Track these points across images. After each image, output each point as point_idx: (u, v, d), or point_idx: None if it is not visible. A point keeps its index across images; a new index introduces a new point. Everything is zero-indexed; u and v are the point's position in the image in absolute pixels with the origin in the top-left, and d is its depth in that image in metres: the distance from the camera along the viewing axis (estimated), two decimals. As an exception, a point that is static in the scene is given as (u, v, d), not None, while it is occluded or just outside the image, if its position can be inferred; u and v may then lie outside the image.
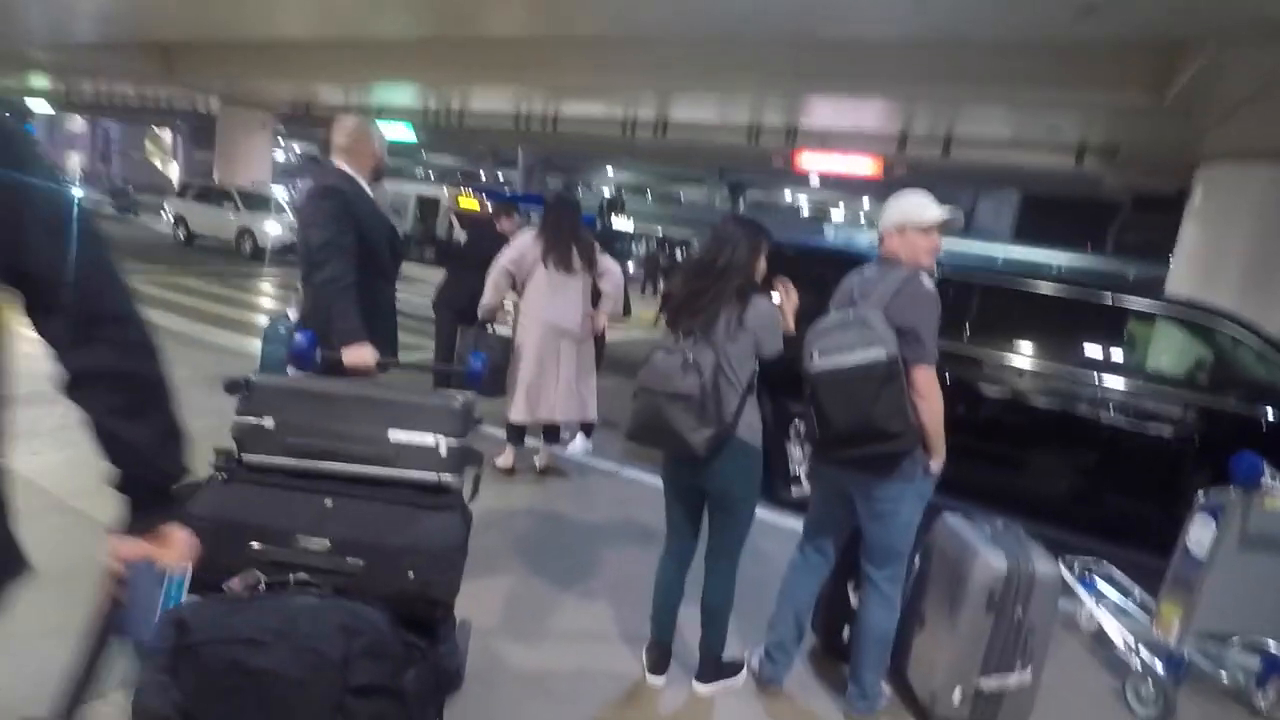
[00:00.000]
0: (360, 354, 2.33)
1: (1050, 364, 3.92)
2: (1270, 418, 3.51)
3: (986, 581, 2.27)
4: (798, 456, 4.32)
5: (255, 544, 1.51)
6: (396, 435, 1.65)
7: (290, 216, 14.90)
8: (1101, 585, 3.30)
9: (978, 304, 4.02)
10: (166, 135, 38.29)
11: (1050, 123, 9.98)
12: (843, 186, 29.08)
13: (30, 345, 1.06)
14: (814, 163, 13.82)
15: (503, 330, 4.28)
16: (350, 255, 2.45)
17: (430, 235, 20.98)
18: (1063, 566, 2.89)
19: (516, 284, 4.11)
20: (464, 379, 2.19)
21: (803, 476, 4.27)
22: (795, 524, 3.08)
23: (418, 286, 11.57)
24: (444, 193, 21.62)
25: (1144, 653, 2.75)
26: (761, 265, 2.35)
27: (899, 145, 12.05)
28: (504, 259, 4.04)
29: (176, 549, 1.15)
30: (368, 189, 2.65)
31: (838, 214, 36.54)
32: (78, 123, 36.79)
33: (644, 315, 6.42)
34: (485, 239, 4.92)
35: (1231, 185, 8.78)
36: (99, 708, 1.12)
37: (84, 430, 1.06)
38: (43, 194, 0.99)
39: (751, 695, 2.50)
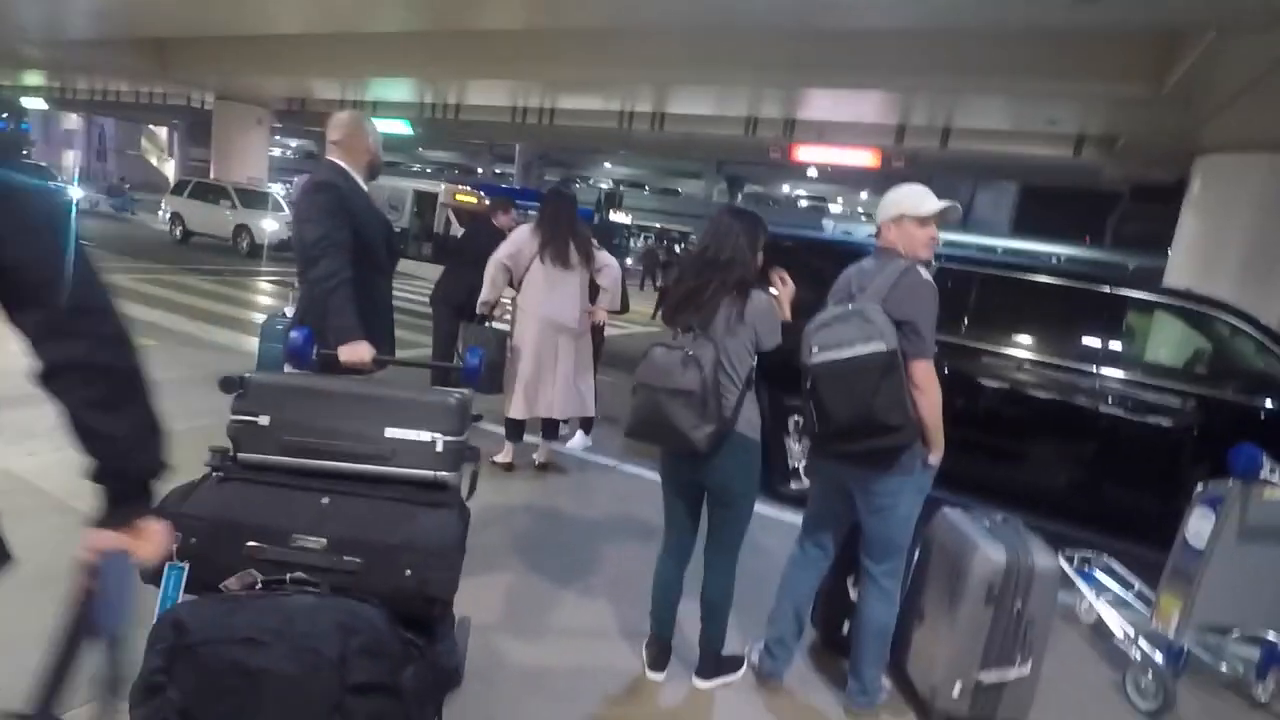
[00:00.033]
0: (357, 351, 2.32)
1: (1048, 356, 3.91)
2: (1269, 408, 3.51)
3: (985, 575, 2.26)
4: (795, 450, 4.31)
5: (252, 543, 1.50)
6: (392, 433, 1.65)
7: (287, 213, 14.86)
8: (1101, 577, 3.31)
9: (976, 295, 4.01)
10: (162, 132, 38.17)
11: (1049, 114, 9.94)
12: (841, 179, 29.07)
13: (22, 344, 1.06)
14: (812, 155, 13.79)
15: (501, 326, 4.28)
16: (346, 251, 2.43)
17: (428, 231, 20.91)
18: (1062, 559, 2.89)
19: (513, 279, 4.10)
20: (461, 376, 2.18)
21: (801, 470, 4.27)
22: (795, 518, 3.08)
23: (416, 283, 11.57)
24: (441, 188, 21.52)
25: (1143, 644, 2.75)
26: (760, 258, 2.34)
27: (897, 137, 12.01)
28: (500, 253, 4.03)
29: (152, 543, 1.15)
30: (363, 184, 2.64)
31: (836, 207, 36.52)
32: (74, 120, 36.65)
33: (642, 310, 6.41)
34: (482, 234, 4.91)
35: (1230, 175, 8.77)
36: (99, 710, 1.12)
37: (62, 423, 1.07)
38: (21, 189, 0.99)
39: (751, 690, 2.50)
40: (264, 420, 1.63)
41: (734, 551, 2.39)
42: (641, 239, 33.24)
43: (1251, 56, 5.81)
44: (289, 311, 3.25)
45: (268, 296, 10.59)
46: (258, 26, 11.76)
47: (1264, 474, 2.56)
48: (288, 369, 2.33)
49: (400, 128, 18.12)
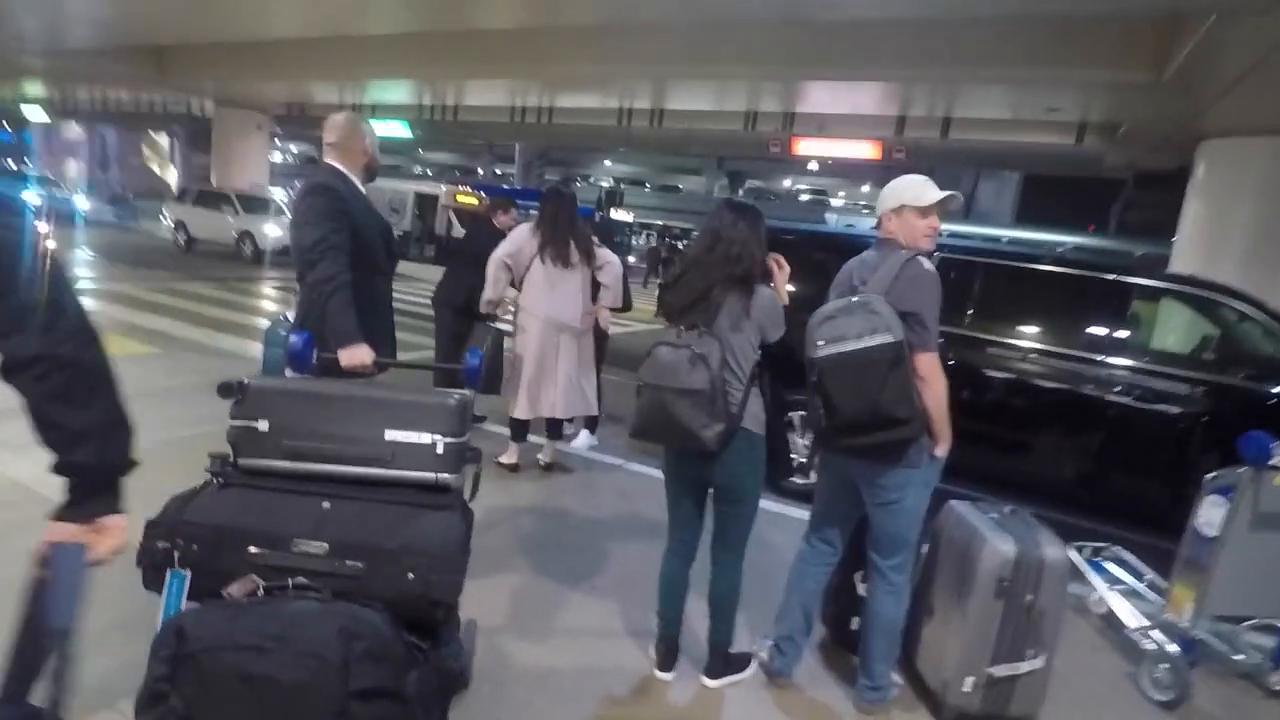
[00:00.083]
0: (357, 354, 2.31)
1: (1053, 345, 3.88)
2: (1279, 394, 3.47)
3: (995, 568, 2.24)
4: (799, 445, 4.30)
5: (253, 549, 1.49)
6: (392, 435, 1.63)
7: (289, 218, 14.85)
8: (1112, 568, 3.28)
9: (980, 285, 3.98)
10: (164, 140, 38.26)
11: (1050, 102, 9.88)
12: (842, 173, 28.99)
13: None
14: (812, 148, 13.72)
15: (502, 326, 4.26)
16: (345, 253, 2.42)
17: (430, 233, 20.92)
18: (1072, 550, 2.87)
19: (514, 279, 4.08)
20: (462, 377, 2.16)
21: (804, 464, 4.26)
22: (802, 514, 3.06)
23: (419, 285, 11.57)
24: (442, 190, 21.54)
25: (1157, 635, 2.73)
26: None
27: (897, 128, 11.94)
28: (500, 252, 4.01)
29: (111, 539, 1.16)
30: (361, 186, 2.62)
31: (837, 201, 36.42)
32: (75, 130, 36.76)
33: (644, 308, 6.39)
34: (482, 235, 4.89)
35: (1234, 160, 8.71)
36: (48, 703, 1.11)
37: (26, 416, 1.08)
38: None
39: (761, 688, 2.48)
40: (263, 425, 1.62)
41: (741, 548, 2.37)
42: (644, 236, 33.24)
43: (1252, 40, 5.76)
44: (291, 316, 3.25)
45: (271, 302, 10.61)
46: (255, 32, 11.77)
47: (1275, 460, 2.53)
48: (289, 373, 2.32)
49: (399, 130, 18.12)
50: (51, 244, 1.11)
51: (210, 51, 13.66)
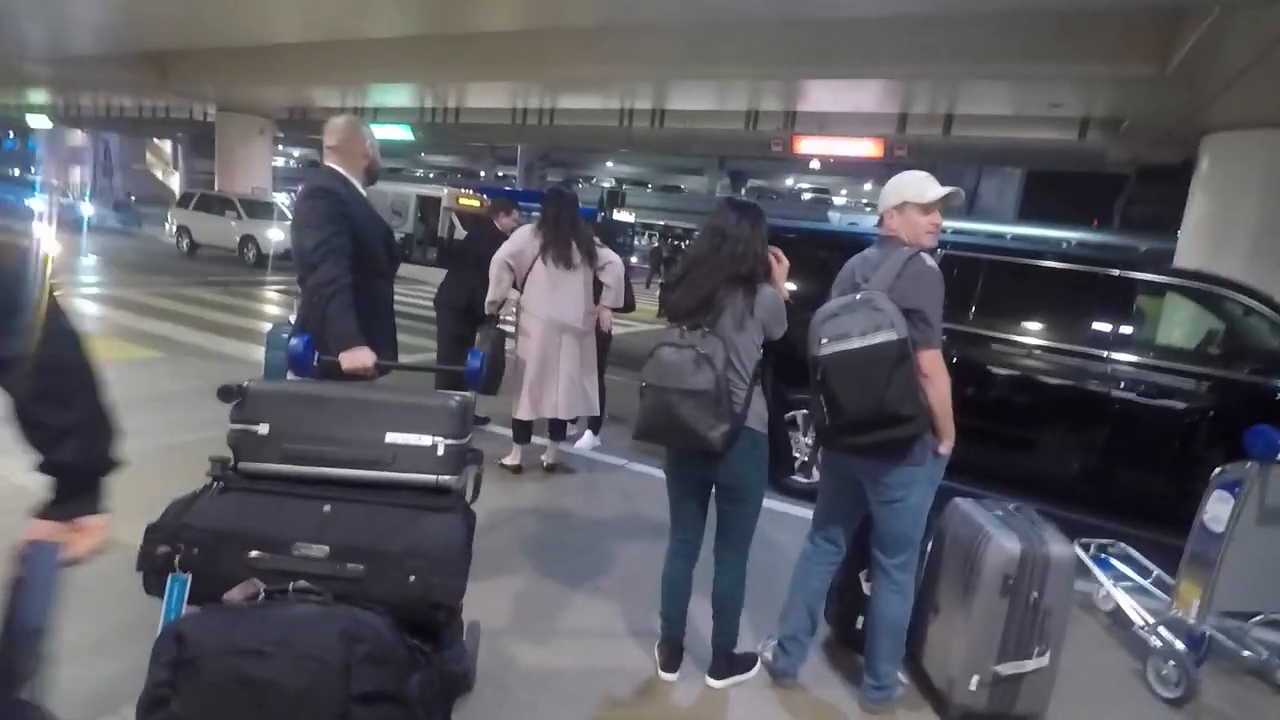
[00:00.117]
0: (358, 358, 2.30)
1: (1058, 341, 3.86)
2: (1285, 388, 3.45)
3: (1000, 565, 2.23)
4: (801, 443, 4.29)
5: (254, 553, 1.49)
6: (393, 437, 1.63)
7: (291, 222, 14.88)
8: (1118, 565, 3.26)
9: (983, 281, 3.96)
10: (167, 146, 38.42)
11: (1052, 98, 9.85)
12: (844, 171, 28.95)
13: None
14: (813, 147, 13.71)
15: (504, 327, 4.26)
16: (346, 256, 2.41)
17: (432, 235, 20.96)
18: (1078, 547, 2.85)
19: (516, 280, 4.08)
20: (463, 378, 2.15)
21: (805, 462, 4.25)
22: (805, 513, 3.05)
23: (422, 288, 11.58)
24: (444, 193, 21.58)
25: (1164, 632, 2.71)
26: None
27: (899, 126, 11.93)
28: (503, 252, 4.01)
29: (89, 539, 1.17)
30: (361, 189, 2.62)
31: (840, 199, 36.37)
32: (79, 138, 36.93)
33: (647, 309, 6.38)
34: (484, 237, 4.89)
35: (1238, 154, 8.67)
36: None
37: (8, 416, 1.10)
38: None
39: (766, 688, 2.47)
40: (263, 428, 1.62)
41: (744, 547, 2.37)
42: (646, 237, 33.24)
43: (1255, 33, 5.73)
44: (294, 319, 3.25)
45: (274, 306, 10.63)
46: (256, 37, 11.81)
47: (1282, 455, 2.51)
48: (290, 376, 2.32)
49: (401, 133, 18.16)
50: (33, 246, 1.11)
51: (212, 57, 13.72)
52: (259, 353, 6.03)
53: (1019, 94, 9.99)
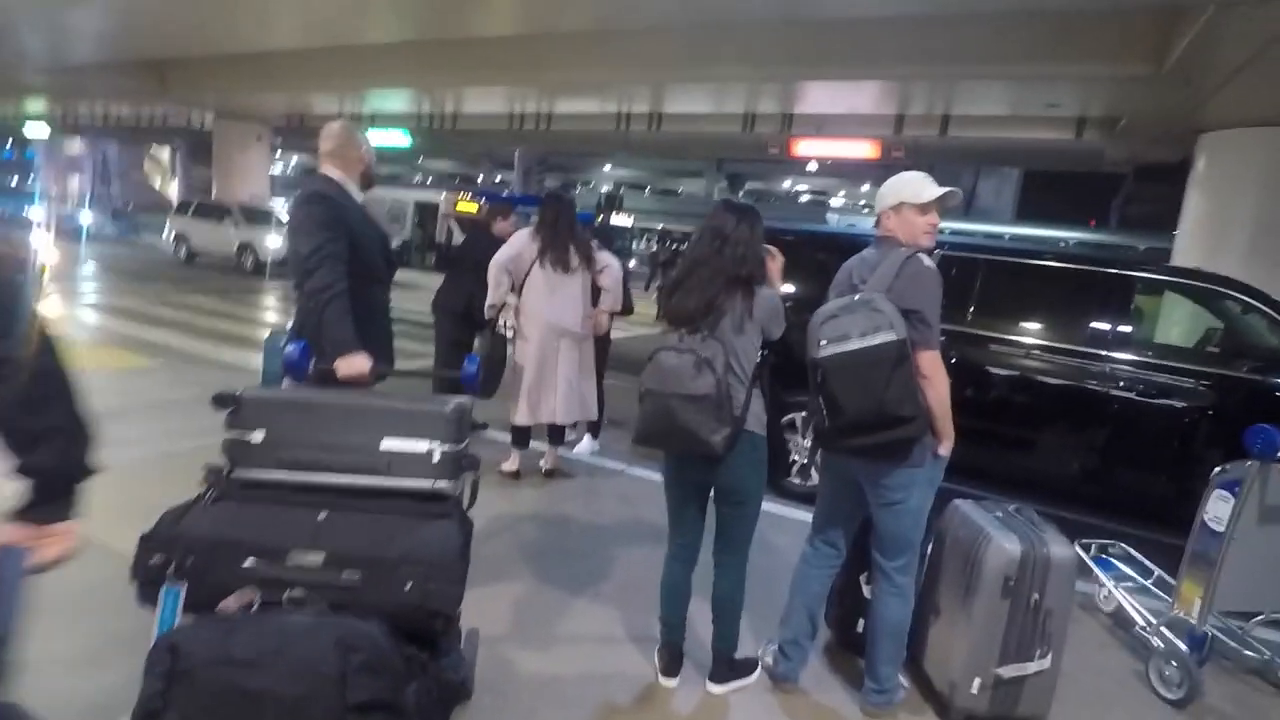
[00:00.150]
0: (354, 364, 2.29)
1: (1057, 341, 3.85)
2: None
3: (1001, 566, 2.22)
4: (799, 444, 4.28)
5: (248, 562, 1.48)
6: (388, 444, 1.63)
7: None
8: (1119, 565, 3.25)
9: (981, 282, 3.96)
10: (165, 154, 38.42)
11: (1049, 97, 9.85)
12: (842, 173, 28.95)
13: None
14: (810, 149, 13.71)
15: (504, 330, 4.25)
16: (342, 262, 2.40)
17: (430, 241, 20.96)
18: (1078, 548, 2.84)
19: (513, 283, 4.07)
20: (460, 383, 2.14)
21: (803, 464, 4.25)
22: (805, 516, 3.04)
23: (419, 293, 11.57)
24: (442, 198, 21.59)
25: (1166, 632, 2.70)
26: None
27: (896, 127, 11.92)
28: (501, 256, 4.00)
29: (57, 546, 1.17)
30: (357, 195, 2.62)
31: (837, 201, 36.39)
32: (77, 146, 36.94)
33: (645, 312, 6.38)
34: (481, 241, 4.88)
35: (1235, 152, 8.67)
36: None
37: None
38: None
39: (766, 693, 2.46)
40: (258, 436, 1.61)
41: (744, 550, 2.35)
42: (644, 240, 33.22)
43: (1251, 31, 5.73)
44: (291, 326, 3.24)
45: (272, 313, 10.63)
46: (254, 44, 11.81)
47: (1282, 454, 2.50)
48: (286, 383, 2.31)
49: (399, 138, 18.17)
50: (29, 255, 1.12)
51: (211, 64, 13.72)
52: (257, 360, 6.01)
53: (1016, 94, 9.99)
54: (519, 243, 4.04)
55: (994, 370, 3.91)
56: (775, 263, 2.36)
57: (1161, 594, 3.03)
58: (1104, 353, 3.70)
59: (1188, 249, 9.13)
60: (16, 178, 33.88)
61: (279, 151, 31.54)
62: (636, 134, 14.83)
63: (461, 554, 1.60)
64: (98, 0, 9.35)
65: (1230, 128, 8.55)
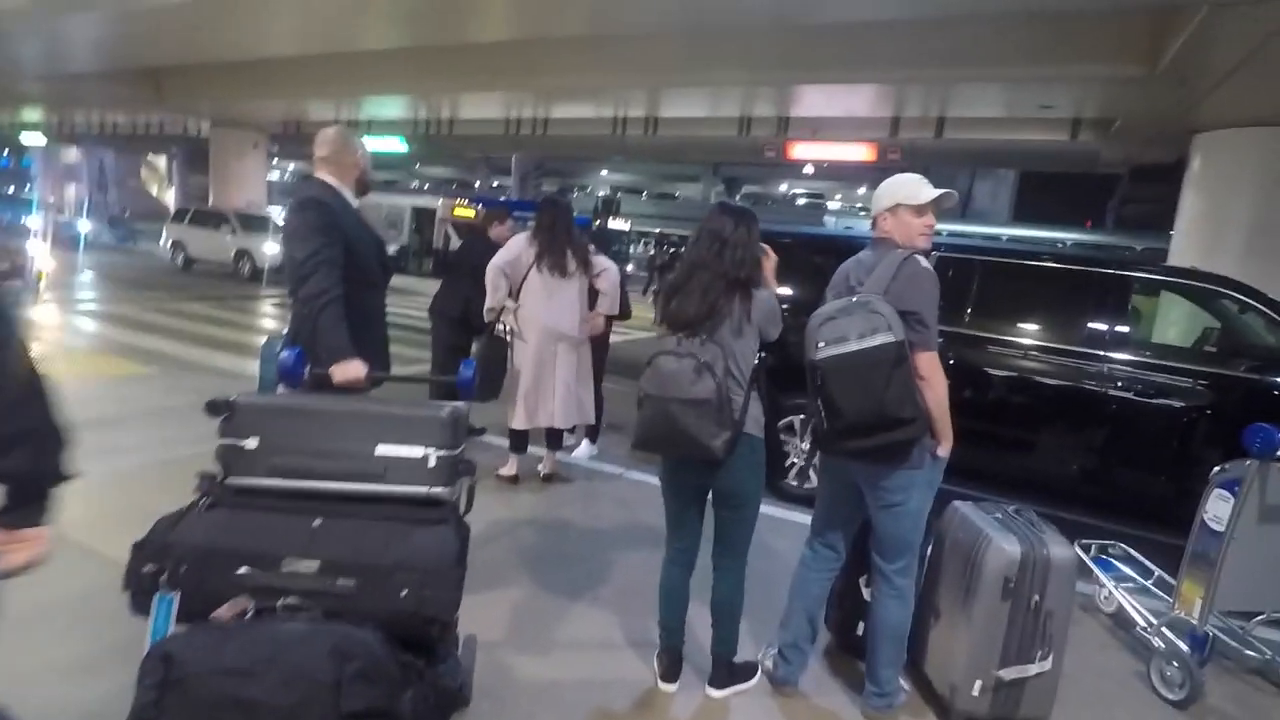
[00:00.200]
0: (349, 370, 2.28)
1: (1054, 341, 3.85)
2: (1283, 385, 3.45)
3: (1001, 568, 2.21)
4: (796, 446, 4.27)
5: (242, 570, 1.47)
6: (383, 450, 1.62)
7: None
8: (1119, 566, 3.24)
9: (978, 283, 3.96)
10: (161, 162, 38.45)
11: (1043, 99, 9.88)
12: (838, 175, 29.03)
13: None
14: (806, 152, 13.74)
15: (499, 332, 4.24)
16: (337, 268, 2.40)
17: (428, 247, 20.98)
18: (1078, 549, 2.84)
19: (511, 288, 4.07)
20: (455, 388, 2.13)
21: (802, 467, 4.24)
22: (804, 519, 3.03)
23: (417, 299, 11.56)
24: (439, 204, 21.62)
25: (1167, 633, 2.69)
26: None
27: (892, 129, 11.95)
28: (498, 259, 4.00)
29: (27, 551, 1.17)
30: (352, 200, 2.61)
31: (834, 204, 36.45)
32: (74, 154, 36.95)
33: (643, 315, 6.38)
34: (478, 246, 4.88)
35: (1230, 152, 8.69)
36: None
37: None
38: None
39: (766, 697, 2.45)
40: (252, 443, 1.60)
41: (743, 553, 2.34)
42: (642, 244, 33.23)
43: (1245, 30, 5.75)
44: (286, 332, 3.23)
45: (269, 319, 10.61)
46: (251, 51, 11.82)
47: (1281, 452, 2.50)
48: (281, 390, 2.30)
49: (396, 145, 18.19)
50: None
51: (207, 72, 13.73)
52: (254, 367, 6.00)
53: (1010, 96, 10.02)
54: (516, 246, 4.04)
55: (992, 371, 3.90)
56: (770, 261, 2.36)
57: (1162, 594, 3.02)
58: (1102, 353, 3.70)
59: (1184, 249, 9.14)
60: (13, 186, 33.85)
61: (275, 159, 31.53)
62: (633, 138, 14.85)
63: (457, 560, 1.59)
64: (94, 9, 9.33)
65: (1225, 128, 8.57)
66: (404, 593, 1.48)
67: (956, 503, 2.55)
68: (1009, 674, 2.24)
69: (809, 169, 23.94)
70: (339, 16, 9.40)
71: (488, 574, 3.04)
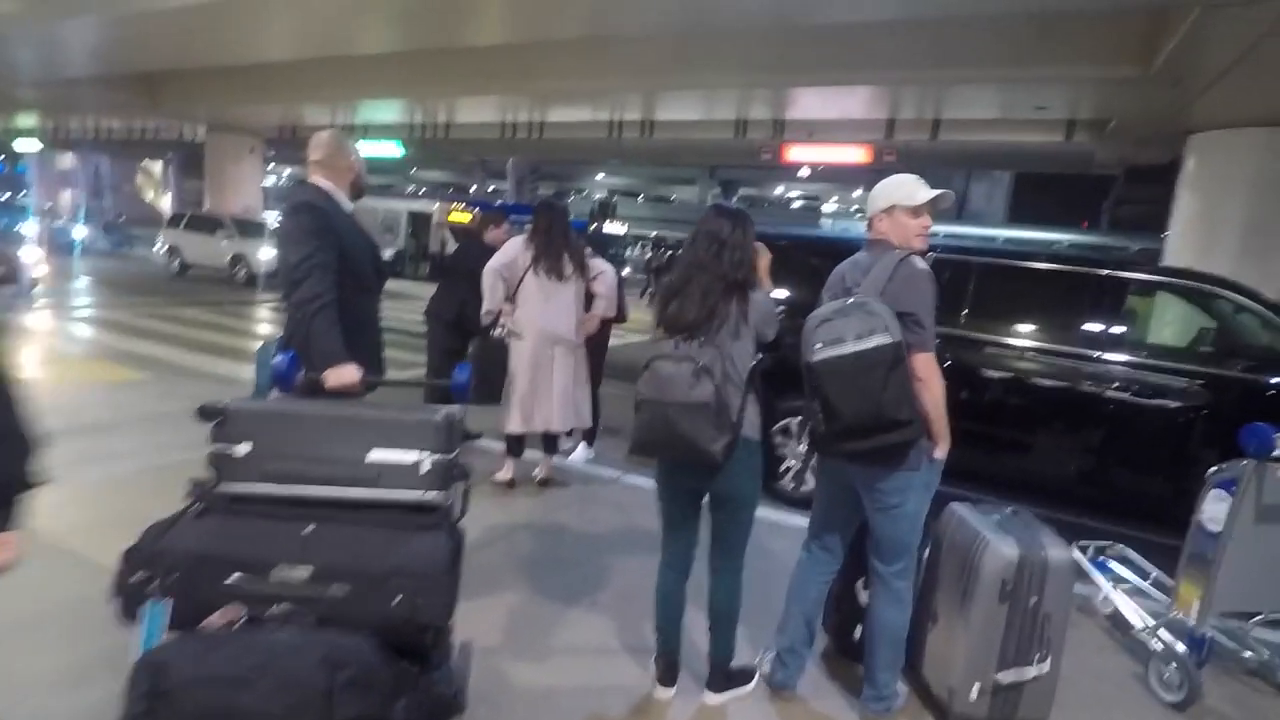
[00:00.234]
0: (343, 374, 2.27)
1: (1051, 342, 3.85)
2: (1277, 384, 3.44)
3: (998, 570, 2.20)
4: (793, 449, 4.26)
5: (234, 577, 1.45)
6: (377, 455, 1.60)
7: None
8: (1117, 567, 3.24)
9: (974, 284, 3.96)
10: (157, 167, 38.38)
11: (1038, 101, 9.92)
12: (835, 178, 29.05)
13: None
14: (802, 155, 13.76)
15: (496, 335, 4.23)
16: (330, 272, 2.38)
17: (424, 251, 20.96)
18: (1076, 550, 2.83)
19: (507, 291, 4.06)
20: (450, 392, 2.12)
21: (799, 469, 4.23)
22: (800, 522, 3.02)
23: (413, 303, 11.55)
24: (435, 208, 21.61)
25: (1165, 634, 2.68)
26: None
27: (887, 131, 11.98)
28: (495, 262, 3.99)
29: None
30: (346, 204, 2.60)
31: (829, 206, 36.51)
32: (69, 160, 36.88)
33: (640, 319, 6.37)
34: (474, 249, 4.87)
35: (1224, 152, 8.72)
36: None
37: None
38: None
39: (764, 701, 2.44)
40: (244, 448, 1.59)
41: (740, 556, 2.33)
42: (639, 247, 33.25)
43: (1238, 31, 5.77)
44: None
45: (266, 325, 10.58)
46: (246, 56, 11.82)
47: (1278, 452, 2.49)
48: (275, 394, 2.29)
49: (392, 149, 18.18)
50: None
51: (203, 77, 13.73)
52: (249, 372, 5.98)
53: (1005, 97, 10.05)
54: (513, 249, 4.03)
55: (989, 373, 3.90)
56: (763, 260, 2.35)
57: (1160, 595, 3.02)
58: (1098, 354, 3.70)
59: (1179, 249, 9.17)
60: (8, 192, 33.77)
61: (272, 164, 31.50)
62: (629, 141, 14.88)
63: (452, 566, 1.57)
64: (88, 13, 9.32)
65: (1219, 128, 8.61)
66: (398, 599, 1.46)
67: (954, 505, 2.54)
68: (1007, 677, 2.23)
69: (805, 171, 23.96)
70: (335, 20, 9.40)
71: (484, 579, 3.02)
